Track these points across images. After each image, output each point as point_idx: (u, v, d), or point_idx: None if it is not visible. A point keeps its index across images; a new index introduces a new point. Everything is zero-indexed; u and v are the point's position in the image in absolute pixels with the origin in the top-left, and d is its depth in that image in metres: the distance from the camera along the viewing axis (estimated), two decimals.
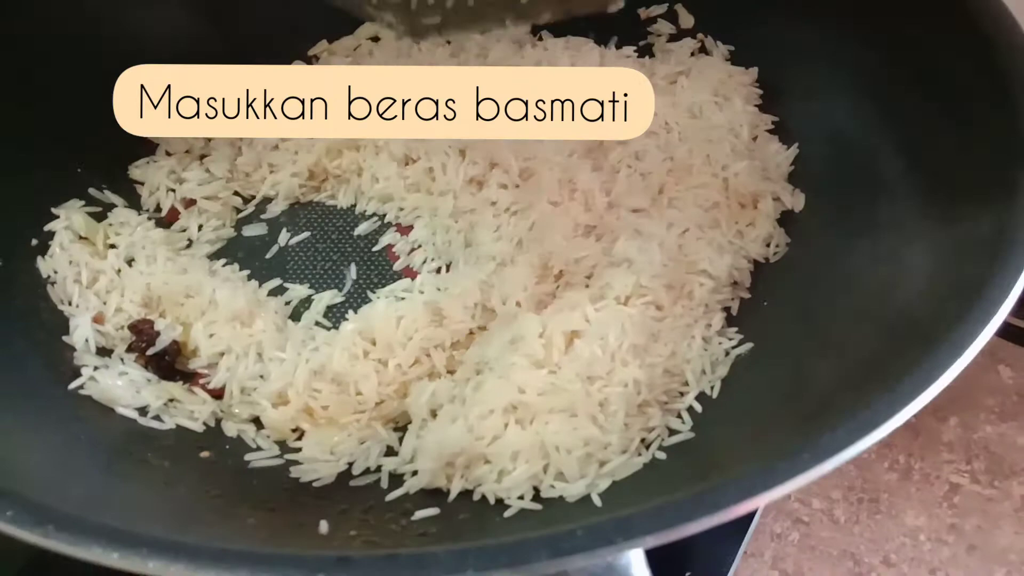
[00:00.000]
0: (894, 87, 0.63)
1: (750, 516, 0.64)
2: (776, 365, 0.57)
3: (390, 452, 0.56)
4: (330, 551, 0.38)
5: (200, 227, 0.69)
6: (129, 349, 0.61)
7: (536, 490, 0.51)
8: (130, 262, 0.65)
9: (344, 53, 0.79)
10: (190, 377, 0.60)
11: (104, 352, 0.60)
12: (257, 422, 0.58)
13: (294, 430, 0.57)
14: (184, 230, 0.69)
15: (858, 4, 0.66)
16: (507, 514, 0.50)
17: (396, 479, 0.54)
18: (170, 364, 0.60)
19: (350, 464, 0.55)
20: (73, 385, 0.57)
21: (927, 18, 0.61)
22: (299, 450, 0.56)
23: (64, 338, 0.60)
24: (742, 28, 0.74)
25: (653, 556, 0.48)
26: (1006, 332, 0.70)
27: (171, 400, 0.58)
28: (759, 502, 0.34)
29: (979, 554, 0.68)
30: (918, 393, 0.38)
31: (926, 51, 0.61)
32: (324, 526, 0.48)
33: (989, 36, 0.56)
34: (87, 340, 0.60)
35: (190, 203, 0.70)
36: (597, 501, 0.49)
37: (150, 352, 0.60)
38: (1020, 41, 0.55)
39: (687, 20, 0.77)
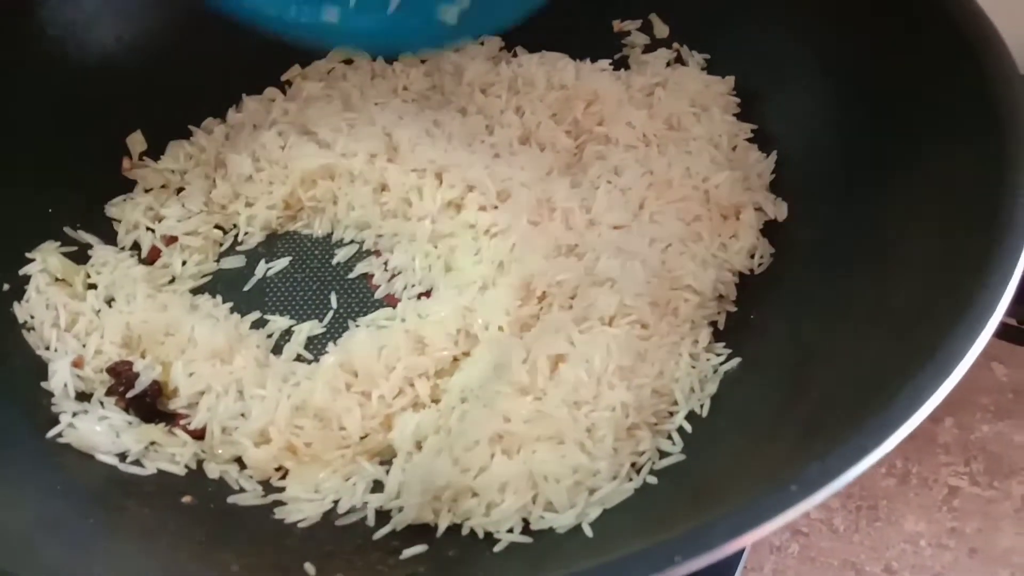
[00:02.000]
0: (873, 89, 0.63)
1: None
2: (766, 380, 0.56)
3: (377, 488, 0.55)
4: None
5: (184, 263, 0.68)
6: (108, 392, 0.59)
7: (526, 522, 0.50)
8: (110, 302, 0.64)
9: (318, 77, 0.78)
10: (171, 418, 0.59)
11: (83, 397, 0.59)
12: (240, 462, 0.57)
13: (277, 469, 0.56)
14: (167, 267, 0.68)
15: (832, 6, 0.66)
16: (497, 548, 0.49)
17: (383, 516, 0.53)
18: (151, 405, 0.59)
19: (335, 502, 0.54)
20: (51, 433, 0.56)
21: (901, 17, 0.60)
22: (283, 490, 0.55)
23: (43, 384, 0.59)
24: (717, 36, 0.74)
25: None
26: (999, 330, 0.69)
27: (152, 444, 0.57)
28: (753, 538, 0.33)
29: (981, 557, 0.67)
30: (912, 412, 0.37)
31: (902, 51, 0.61)
32: (310, 569, 0.47)
33: (965, 35, 0.56)
34: (66, 385, 0.59)
35: (171, 240, 0.69)
36: (588, 531, 0.48)
37: (130, 395, 0.59)
38: (995, 38, 0.54)
39: (662, 30, 0.77)
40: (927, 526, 0.69)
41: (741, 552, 0.62)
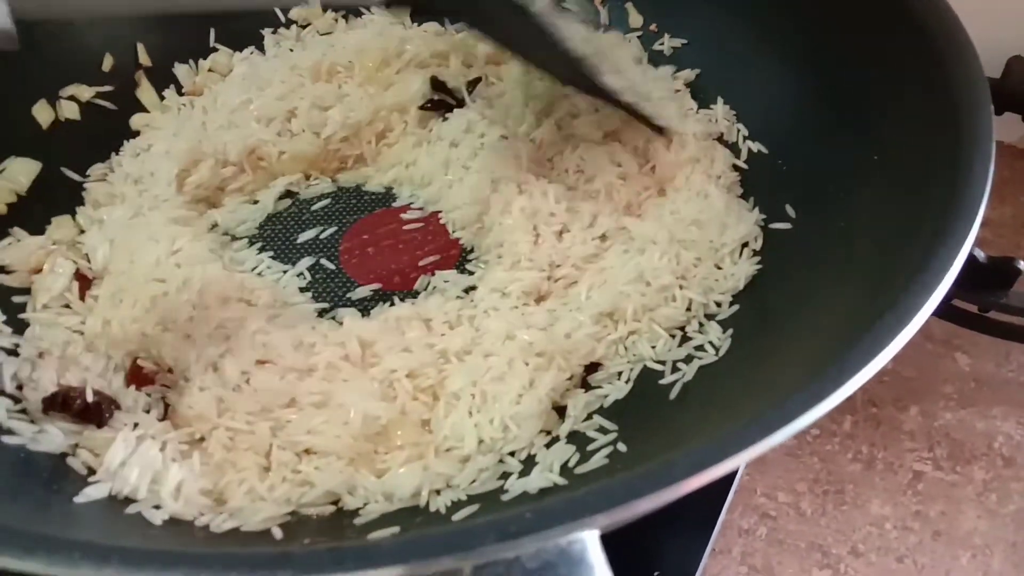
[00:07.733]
0: (833, 77, 0.64)
1: (716, 512, 0.63)
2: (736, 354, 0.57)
3: None
4: (271, 548, 0.37)
5: None
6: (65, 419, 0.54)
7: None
8: None
9: None
10: None
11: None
12: None
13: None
14: None
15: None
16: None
17: None
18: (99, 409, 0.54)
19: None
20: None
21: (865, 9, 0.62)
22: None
23: None
24: (689, 25, 0.75)
25: (621, 556, 0.47)
26: (961, 319, 0.71)
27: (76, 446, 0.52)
28: (710, 475, 0.33)
29: (944, 539, 0.68)
30: (866, 363, 0.37)
31: (863, 38, 0.62)
32: (277, 533, 0.46)
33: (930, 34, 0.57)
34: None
35: None
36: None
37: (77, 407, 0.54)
38: (956, 26, 0.56)
39: (636, 20, 0.78)
40: (892, 509, 0.70)
41: (710, 533, 0.62)
